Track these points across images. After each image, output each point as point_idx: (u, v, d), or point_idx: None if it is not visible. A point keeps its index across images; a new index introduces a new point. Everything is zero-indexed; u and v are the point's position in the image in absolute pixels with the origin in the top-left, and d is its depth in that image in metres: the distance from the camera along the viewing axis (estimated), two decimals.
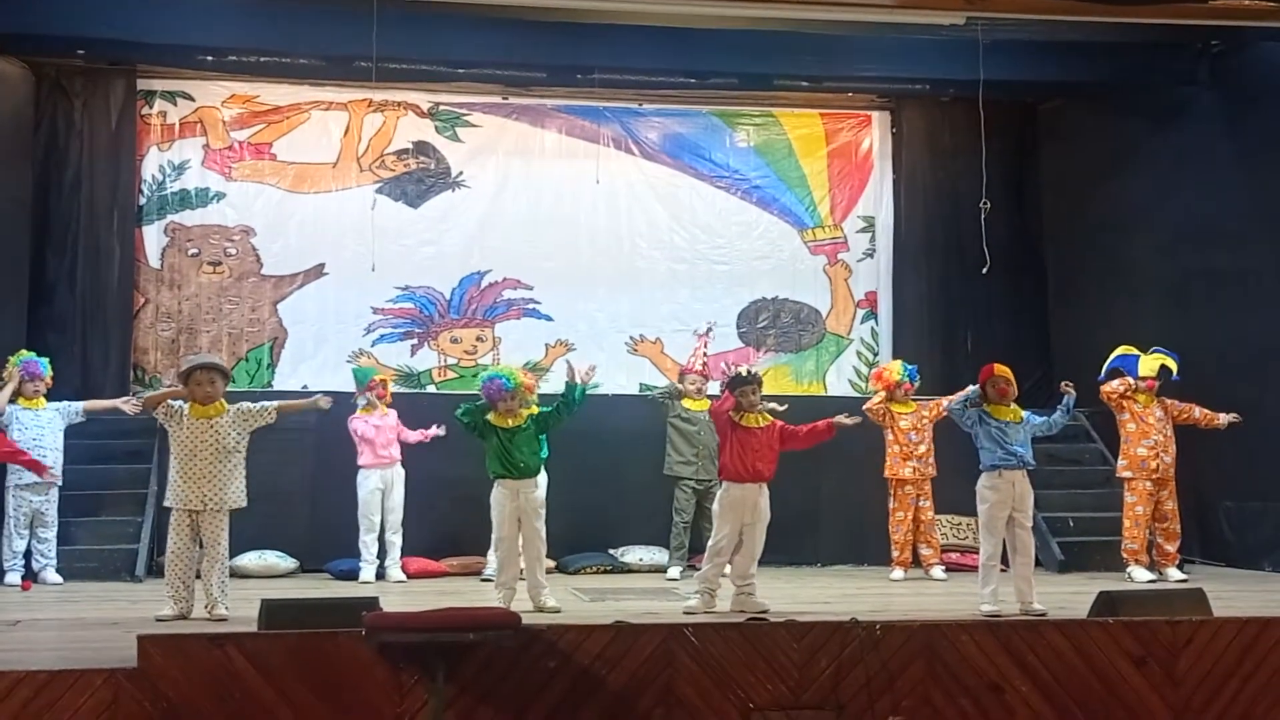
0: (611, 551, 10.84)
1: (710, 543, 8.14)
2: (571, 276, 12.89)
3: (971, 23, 9.96)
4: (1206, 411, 10.03)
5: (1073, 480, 11.43)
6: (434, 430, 10.30)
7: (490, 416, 8.27)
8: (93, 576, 9.92)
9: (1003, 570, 7.90)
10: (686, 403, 10.56)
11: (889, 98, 13.48)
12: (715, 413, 8.31)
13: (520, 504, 8.22)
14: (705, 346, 11.18)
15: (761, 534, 8.00)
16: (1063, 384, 8.61)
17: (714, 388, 10.01)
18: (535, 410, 8.42)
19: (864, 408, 10.19)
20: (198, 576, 7.80)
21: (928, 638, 6.43)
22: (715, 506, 8.22)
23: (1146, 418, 10.02)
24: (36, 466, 8.57)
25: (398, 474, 10.25)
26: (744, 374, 8.21)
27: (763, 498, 7.99)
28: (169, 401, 7.86)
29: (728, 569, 8.05)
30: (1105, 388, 10.18)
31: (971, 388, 8.29)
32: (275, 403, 8.09)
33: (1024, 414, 8.14)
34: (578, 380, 8.35)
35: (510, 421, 8.26)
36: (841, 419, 8.21)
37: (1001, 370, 8.17)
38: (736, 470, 7.97)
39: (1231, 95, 11.55)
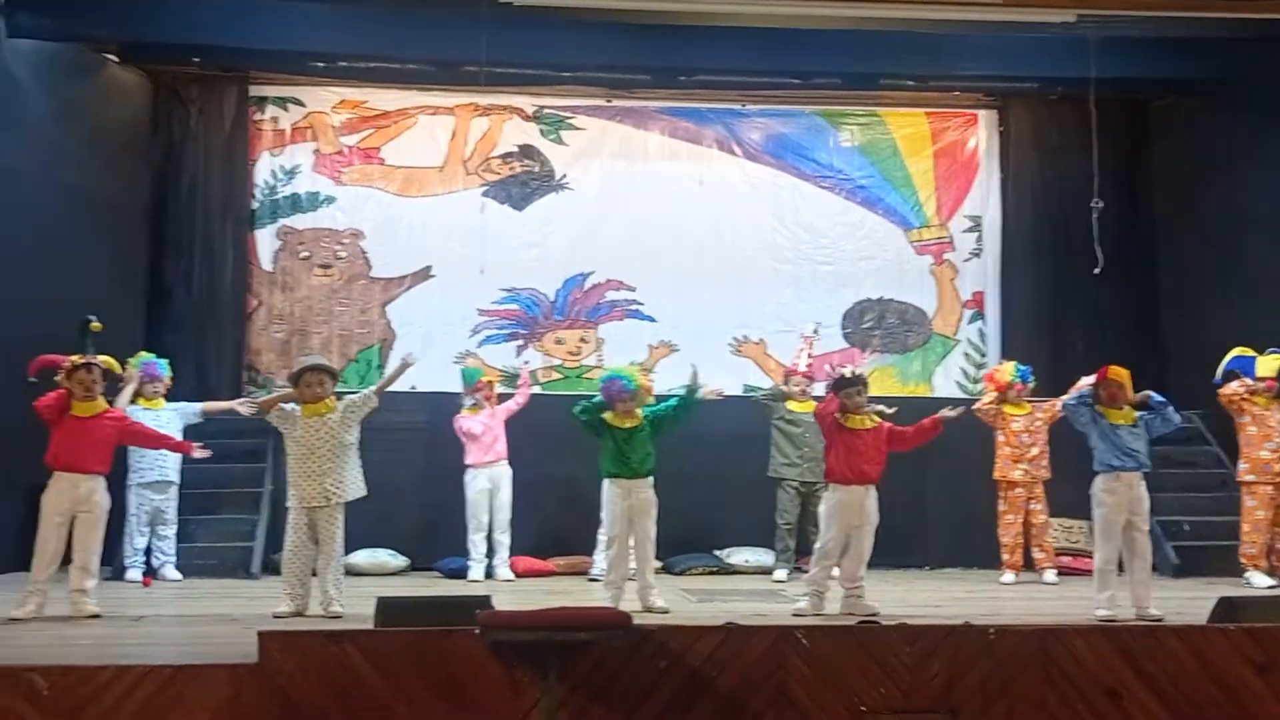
0: (717, 553, 10.85)
1: (818, 545, 8.13)
2: (674, 277, 12.87)
3: (1083, 20, 9.86)
4: None
5: (1188, 483, 11.23)
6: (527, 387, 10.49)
7: (607, 416, 8.29)
8: (210, 573, 10.12)
9: (1120, 575, 7.79)
10: (791, 404, 10.54)
11: (996, 96, 13.34)
12: (820, 415, 8.27)
13: (633, 503, 8.24)
14: (810, 348, 11.12)
15: (870, 537, 7.97)
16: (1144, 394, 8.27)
17: (819, 389, 9.94)
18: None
19: (974, 408, 10.10)
20: (313, 574, 7.92)
21: (1042, 642, 6.36)
22: (822, 509, 8.20)
23: (1268, 420, 9.84)
24: (184, 448, 8.69)
25: (504, 473, 10.32)
26: (849, 375, 8.17)
27: (870, 500, 7.96)
28: (281, 405, 8.02)
29: (835, 571, 8.02)
30: (1224, 391, 10.00)
31: (1085, 381, 8.17)
32: (372, 387, 8.31)
33: (1138, 415, 7.99)
34: (700, 385, 8.38)
35: (627, 422, 8.28)
36: (945, 412, 8.16)
37: (1116, 373, 8.00)
38: (843, 473, 7.96)
39: None
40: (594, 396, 8.48)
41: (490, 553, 10.27)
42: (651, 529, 8.30)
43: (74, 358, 7.98)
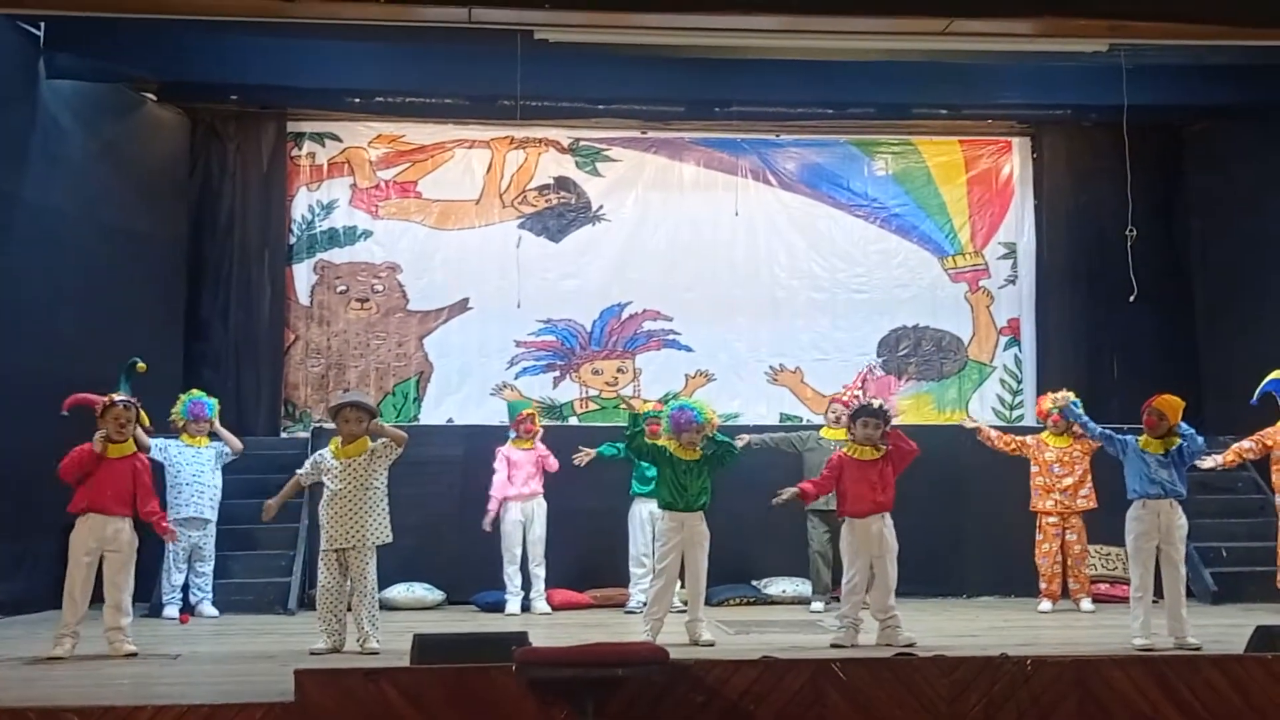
0: (755, 583, 10.81)
1: (844, 580, 8.08)
2: (711, 307, 12.92)
3: (1115, 49, 9.83)
4: None
5: (1226, 509, 11.12)
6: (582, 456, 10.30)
7: (670, 446, 8.28)
8: (247, 609, 10.11)
9: (1155, 602, 7.73)
10: (825, 432, 10.48)
11: (1029, 123, 13.34)
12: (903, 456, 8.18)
13: (686, 536, 8.19)
14: (863, 384, 11.13)
15: (892, 564, 7.90)
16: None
17: None
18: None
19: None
20: (348, 610, 7.93)
21: (1079, 673, 6.30)
22: (842, 544, 8.14)
23: None
24: (158, 525, 8.27)
25: (539, 506, 10.28)
26: (874, 407, 8.15)
27: (887, 528, 7.91)
28: (315, 460, 8.09)
29: (867, 602, 7.99)
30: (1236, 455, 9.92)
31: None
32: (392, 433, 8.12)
33: (1175, 444, 7.93)
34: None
35: (689, 454, 8.25)
36: (964, 422, 8.10)
37: (1161, 402, 8.01)
38: (855, 505, 7.93)
39: None
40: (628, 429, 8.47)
41: (526, 585, 10.24)
42: (704, 562, 8.24)
43: (110, 396, 7.99)
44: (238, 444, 10.22)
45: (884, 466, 7.98)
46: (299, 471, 8.24)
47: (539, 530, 10.24)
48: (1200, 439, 8.12)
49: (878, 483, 7.93)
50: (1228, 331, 12.49)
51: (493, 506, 10.19)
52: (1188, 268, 13.02)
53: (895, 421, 8.49)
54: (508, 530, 10.21)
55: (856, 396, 10.37)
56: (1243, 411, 10.18)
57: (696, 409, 8.39)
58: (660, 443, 8.35)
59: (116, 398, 7.97)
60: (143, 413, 8.20)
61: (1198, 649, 7.22)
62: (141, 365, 8.40)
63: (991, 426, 10.83)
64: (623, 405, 12.44)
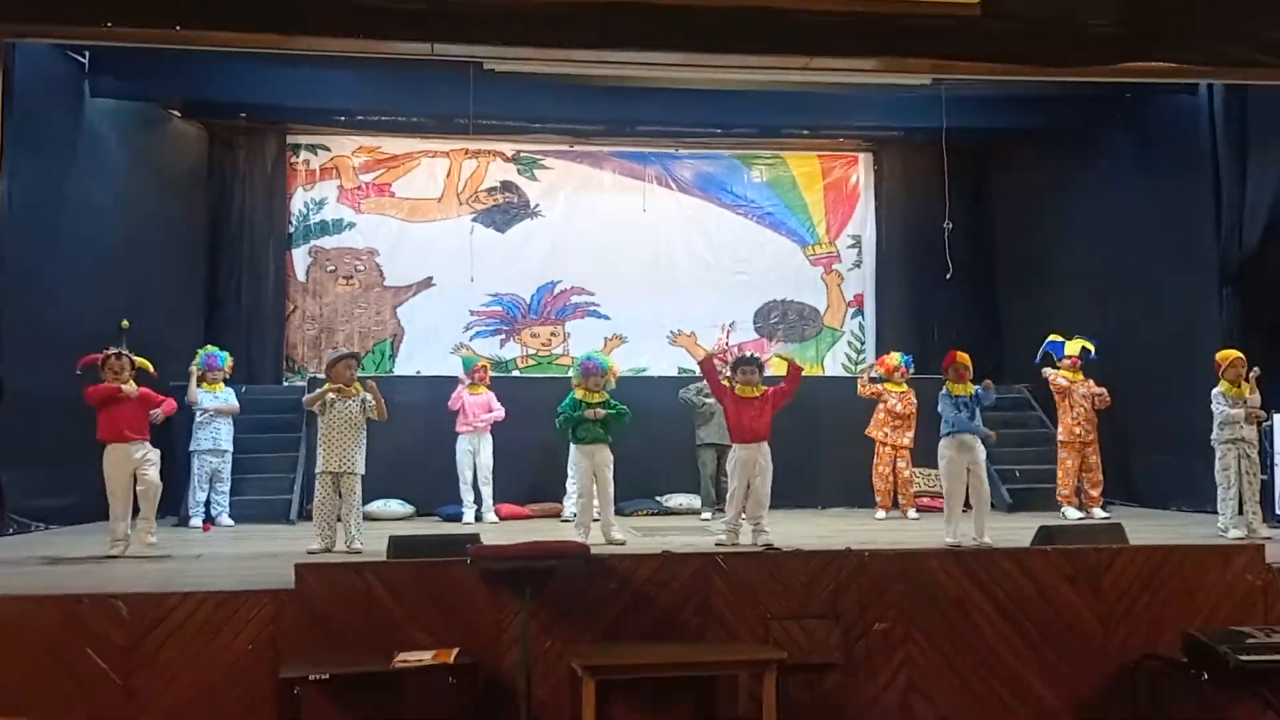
0: (657, 498, 10.85)
1: (729, 493, 8.11)
2: (624, 284, 12.93)
3: (936, 82, 9.93)
4: (1104, 398, 9.93)
5: (1019, 440, 11.34)
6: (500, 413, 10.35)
7: (578, 393, 8.24)
8: (257, 520, 10.02)
9: (965, 511, 7.85)
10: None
11: (871, 142, 13.45)
12: (706, 372, 8.19)
13: (595, 463, 8.20)
14: (727, 337, 11.21)
15: (766, 483, 7.83)
16: (984, 382, 8.30)
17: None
18: (608, 397, 8.33)
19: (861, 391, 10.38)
20: (338, 519, 7.89)
21: (905, 563, 6.41)
22: (729, 465, 8.14)
23: (1073, 394, 9.95)
24: (169, 407, 8.19)
25: (485, 439, 10.24)
26: (746, 356, 8.15)
27: (763, 454, 7.83)
28: (326, 397, 7.98)
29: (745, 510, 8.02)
30: (1046, 373, 10.14)
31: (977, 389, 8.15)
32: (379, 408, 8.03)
33: (975, 389, 8.05)
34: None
35: (595, 396, 8.20)
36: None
37: (960, 358, 8.12)
38: (741, 434, 7.88)
39: (1140, 135, 11.45)
40: (564, 399, 8.39)
41: (478, 501, 10.24)
42: (610, 480, 8.22)
43: (107, 349, 7.91)
44: (235, 408, 10.07)
45: (763, 405, 7.95)
46: (308, 396, 8.27)
47: (485, 457, 10.22)
48: (992, 396, 8.11)
49: (758, 417, 7.87)
50: (1022, 303, 12.72)
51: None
52: (992, 253, 13.22)
53: (767, 371, 8.54)
54: (459, 458, 10.20)
55: (731, 352, 10.48)
56: (1034, 366, 10.43)
57: (601, 359, 8.43)
58: (575, 395, 8.33)
59: (110, 350, 7.87)
60: (137, 359, 8.04)
61: (991, 545, 7.29)
62: (125, 323, 8.31)
63: (842, 377, 10.95)
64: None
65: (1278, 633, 5.83)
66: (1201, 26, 8.64)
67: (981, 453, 7.91)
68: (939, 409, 8.02)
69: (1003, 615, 6.34)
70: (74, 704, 5.62)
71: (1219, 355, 8.68)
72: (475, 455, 10.22)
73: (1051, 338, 10.22)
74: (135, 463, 7.75)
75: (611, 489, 8.25)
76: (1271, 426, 9.11)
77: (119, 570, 6.99)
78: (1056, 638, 6.34)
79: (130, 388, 7.81)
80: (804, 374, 8.50)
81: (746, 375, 7.97)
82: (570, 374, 8.75)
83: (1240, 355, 8.61)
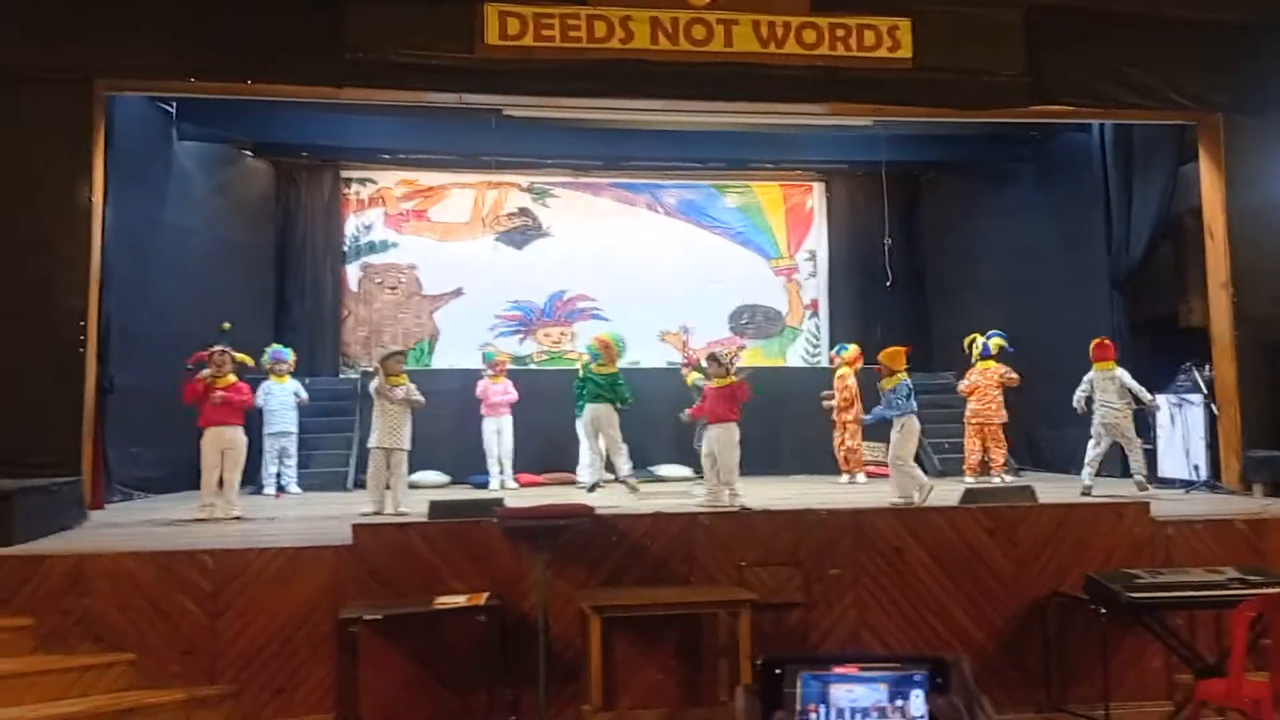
0: (650, 468, 10.83)
1: (704, 463, 8.12)
2: (622, 292, 12.81)
3: (877, 123, 9.94)
4: (1012, 377, 9.83)
5: (947, 418, 11.25)
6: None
7: (592, 366, 8.40)
8: (319, 488, 10.00)
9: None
10: (688, 378, 10.45)
11: (823, 173, 13.37)
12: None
13: (598, 417, 8.25)
14: (689, 339, 11.34)
15: (734, 455, 7.84)
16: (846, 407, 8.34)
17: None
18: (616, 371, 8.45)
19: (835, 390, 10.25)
20: (387, 487, 7.88)
21: (855, 519, 6.44)
22: (704, 442, 8.14)
23: (979, 382, 9.87)
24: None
25: (506, 420, 10.20)
26: (714, 355, 8.23)
27: (727, 431, 7.85)
28: (375, 383, 8.00)
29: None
30: (961, 389, 10.04)
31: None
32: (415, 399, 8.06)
33: (901, 379, 7.99)
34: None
35: (606, 370, 8.39)
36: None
37: (885, 356, 8.13)
38: (714, 415, 7.96)
39: (1044, 167, 11.49)
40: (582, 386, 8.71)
41: (502, 471, 10.22)
42: (616, 433, 8.30)
43: (210, 347, 7.96)
44: (305, 397, 10.02)
45: (731, 392, 8.02)
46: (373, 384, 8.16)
47: (507, 436, 10.19)
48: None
49: (727, 402, 7.95)
50: (949, 306, 12.65)
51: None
52: (923, 265, 13.13)
53: (740, 363, 8.58)
54: (485, 437, 10.18)
55: (694, 352, 10.48)
56: (958, 358, 10.44)
57: (596, 349, 8.63)
58: (587, 369, 8.39)
59: (214, 348, 7.92)
60: (238, 354, 8.07)
61: (924, 504, 7.29)
62: (227, 325, 8.32)
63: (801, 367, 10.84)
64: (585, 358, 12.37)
65: (1161, 574, 5.84)
66: (1092, 76, 8.70)
67: (915, 430, 7.96)
68: (892, 394, 7.92)
69: (935, 562, 6.38)
70: (170, 641, 5.64)
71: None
72: (499, 434, 10.20)
73: (971, 336, 10.19)
74: (225, 443, 7.75)
75: (618, 441, 8.34)
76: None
77: (206, 531, 6.99)
78: (979, 580, 6.37)
79: (216, 395, 7.79)
80: (772, 365, 8.52)
81: (716, 369, 8.05)
82: (585, 352, 8.93)
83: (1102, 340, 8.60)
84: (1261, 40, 8.82)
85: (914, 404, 7.96)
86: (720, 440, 7.85)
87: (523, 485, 10.21)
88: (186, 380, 7.84)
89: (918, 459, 8.08)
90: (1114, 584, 5.66)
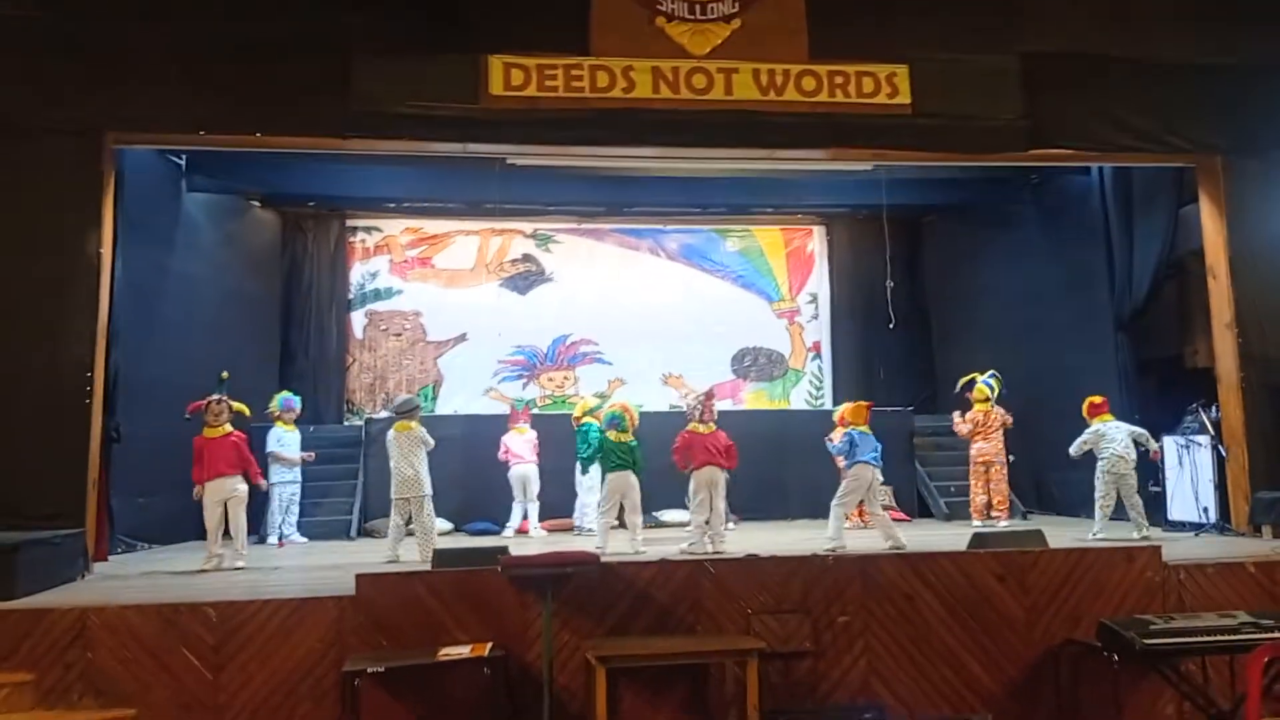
0: (654, 514, 10.73)
1: (691, 510, 8.13)
2: (624, 335, 12.82)
3: (878, 167, 9.98)
4: (1008, 419, 9.79)
5: (953, 461, 11.18)
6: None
7: (610, 435, 8.36)
8: (323, 537, 9.95)
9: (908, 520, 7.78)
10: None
11: (824, 217, 13.41)
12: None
13: (623, 485, 8.23)
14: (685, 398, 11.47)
15: (721, 499, 8.03)
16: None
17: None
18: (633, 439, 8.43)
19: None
20: (408, 534, 7.87)
21: (862, 565, 6.37)
22: (691, 484, 8.14)
23: (980, 426, 9.80)
24: (255, 479, 8.03)
25: (532, 469, 10.13)
26: (695, 403, 8.40)
27: (720, 475, 8.03)
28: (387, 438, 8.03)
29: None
30: (958, 427, 9.97)
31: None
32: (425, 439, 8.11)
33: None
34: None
35: (623, 439, 8.34)
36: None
37: (847, 411, 8.48)
38: (701, 460, 8.05)
39: (1045, 209, 11.51)
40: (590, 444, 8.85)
41: (526, 516, 10.10)
42: (638, 497, 8.27)
43: (208, 396, 7.90)
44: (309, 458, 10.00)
45: (715, 436, 8.12)
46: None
47: (533, 484, 10.12)
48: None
49: (713, 447, 8.07)
50: (951, 347, 12.64)
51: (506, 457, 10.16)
52: (925, 307, 13.15)
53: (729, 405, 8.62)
54: (514, 483, 10.11)
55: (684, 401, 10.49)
56: (962, 399, 10.36)
57: (619, 415, 8.49)
58: (607, 437, 8.42)
59: (212, 397, 7.87)
60: (234, 403, 8.02)
61: (901, 548, 7.24)
62: (225, 374, 8.29)
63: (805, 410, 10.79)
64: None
65: (1175, 620, 5.75)
66: (1090, 120, 8.74)
67: (879, 479, 8.38)
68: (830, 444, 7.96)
69: (945, 608, 6.29)
70: (172, 695, 5.55)
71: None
72: (526, 482, 10.12)
73: (969, 376, 10.12)
74: (225, 493, 7.69)
75: (639, 509, 8.32)
76: (1162, 446, 9.03)
77: (210, 582, 6.91)
78: (990, 627, 6.28)
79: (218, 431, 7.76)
80: (775, 408, 8.49)
81: (703, 417, 8.27)
82: (601, 422, 8.94)
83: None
84: (1258, 82, 8.88)
85: (862, 455, 8.08)
86: (710, 483, 7.98)
87: (524, 532, 10.07)
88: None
89: (922, 502, 8.02)
90: (1129, 631, 5.56)
